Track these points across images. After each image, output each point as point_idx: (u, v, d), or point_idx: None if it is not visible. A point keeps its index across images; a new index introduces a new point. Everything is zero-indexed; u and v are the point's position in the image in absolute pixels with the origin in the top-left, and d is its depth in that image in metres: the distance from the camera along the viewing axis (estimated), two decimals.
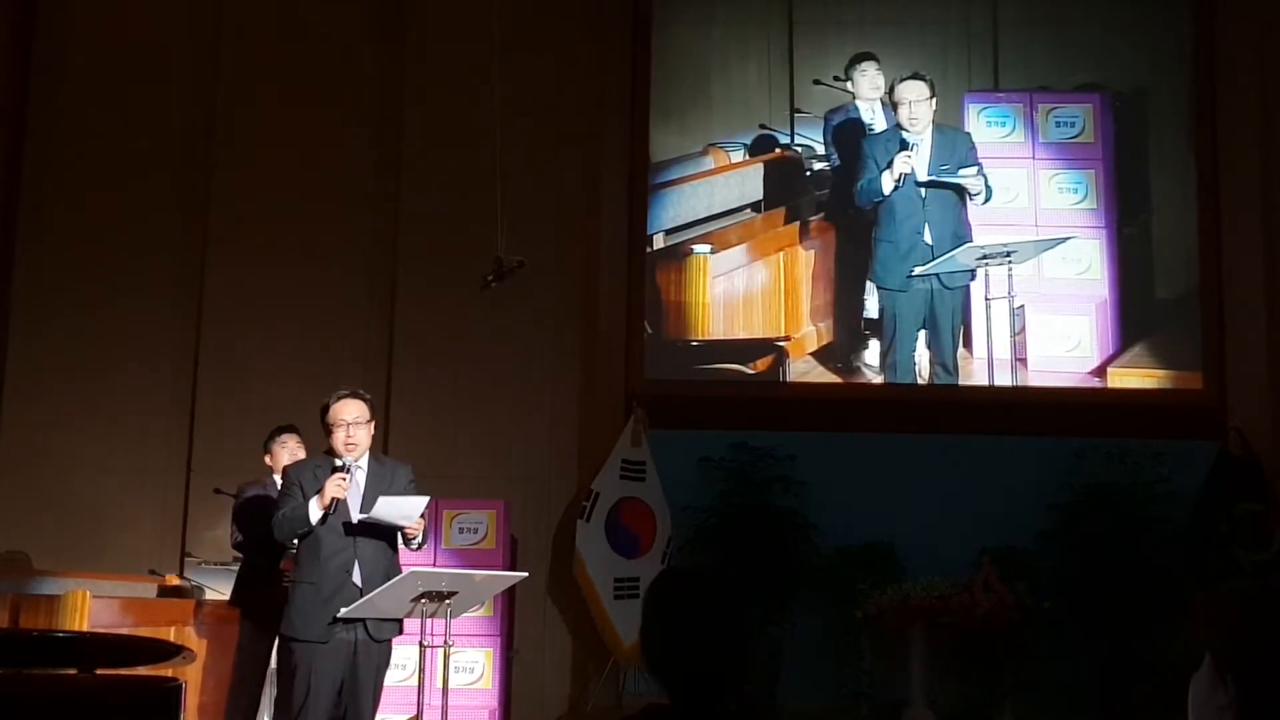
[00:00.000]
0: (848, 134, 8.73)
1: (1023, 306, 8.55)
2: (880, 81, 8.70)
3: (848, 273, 8.71)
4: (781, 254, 8.74)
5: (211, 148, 8.55)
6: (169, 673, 4.03)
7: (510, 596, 7.36)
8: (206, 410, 8.32)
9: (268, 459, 6.08)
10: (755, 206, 8.81)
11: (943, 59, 8.82)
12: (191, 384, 8.37)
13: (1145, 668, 7.20)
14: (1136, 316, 8.60)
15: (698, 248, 8.76)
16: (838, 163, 8.76)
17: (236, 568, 7.04)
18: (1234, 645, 1.46)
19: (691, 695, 2.21)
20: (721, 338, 8.73)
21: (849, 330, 8.68)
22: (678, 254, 8.78)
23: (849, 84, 8.75)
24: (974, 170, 8.56)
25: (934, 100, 8.63)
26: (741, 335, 8.72)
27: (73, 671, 3.89)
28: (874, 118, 8.71)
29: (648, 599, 2.34)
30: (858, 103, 8.75)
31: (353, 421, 5.22)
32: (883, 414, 8.43)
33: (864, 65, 8.75)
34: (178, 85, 8.64)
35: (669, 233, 8.79)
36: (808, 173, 8.81)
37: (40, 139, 8.63)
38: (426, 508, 5.29)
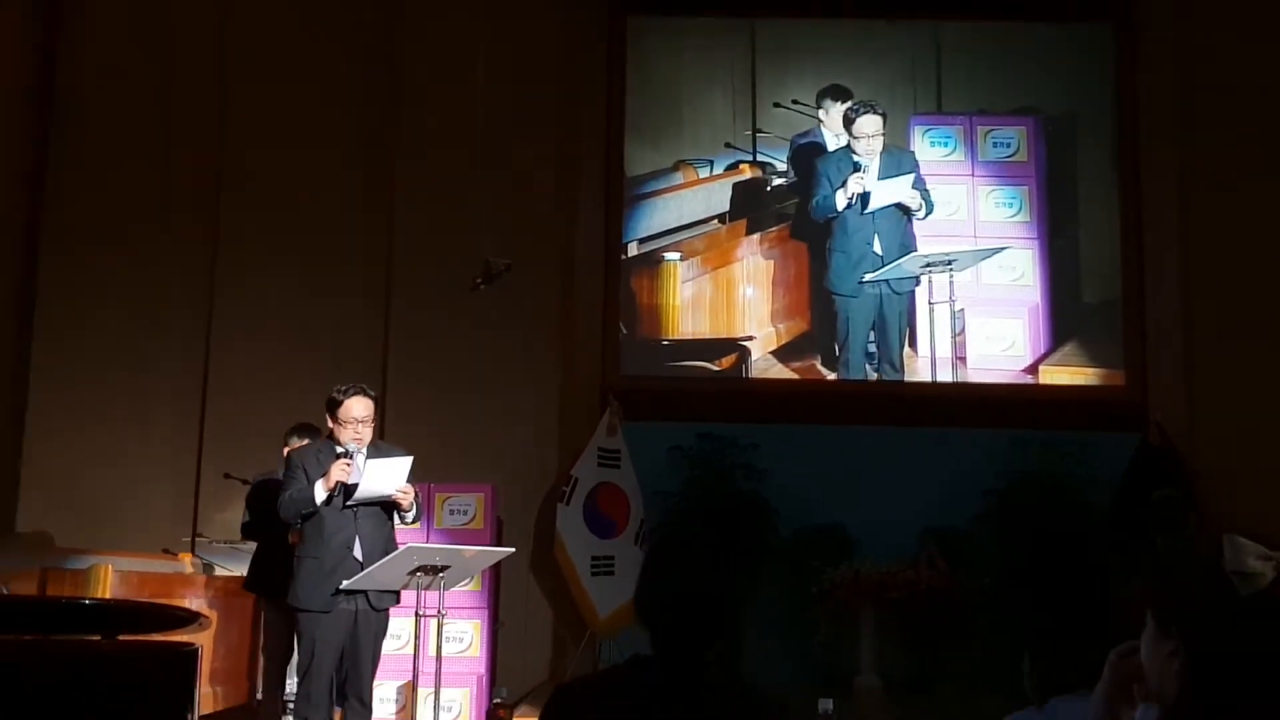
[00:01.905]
0: (806, 154, 8.75)
1: (963, 310, 8.58)
2: (874, 123, 8.67)
3: (804, 279, 8.73)
4: (745, 261, 8.76)
5: (221, 171, 8.50)
6: (186, 638, 4.03)
7: (497, 573, 7.36)
8: (216, 405, 8.29)
9: (285, 450, 5.98)
10: (721, 218, 8.82)
11: (891, 84, 8.85)
12: (203, 381, 8.32)
13: (1071, 635, 7.23)
14: (1065, 319, 8.65)
15: (668, 255, 8.78)
16: (795, 179, 8.78)
17: (243, 548, 7.02)
18: (1172, 595, 1.51)
19: (676, 646, 2.23)
20: (689, 337, 8.74)
21: (804, 331, 8.69)
22: (650, 261, 8.80)
23: (820, 113, 8.73)
24: (910, 179, 8.57)
25: (884, 126, 8.67)
26: (708, 335, 8.74)
27: (97, 637, 3.88)
28: (837, 143, 8.70)
29: (649, 558, 2.38)
30: (823, 128, 8.75)
31: (362, 419, 5.24)
32: (836, 407, 8.47)
33: (832, 99, 8.73)
34: (190, 117, 8.56)
35: (642, 241, 8.80)
36: (769, 188, 8.82)
37: (64, 159, 8.55)
38: (411, 475, 5.27)
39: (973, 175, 8.77)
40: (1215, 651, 1.42)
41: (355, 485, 5.16)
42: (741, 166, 8.84)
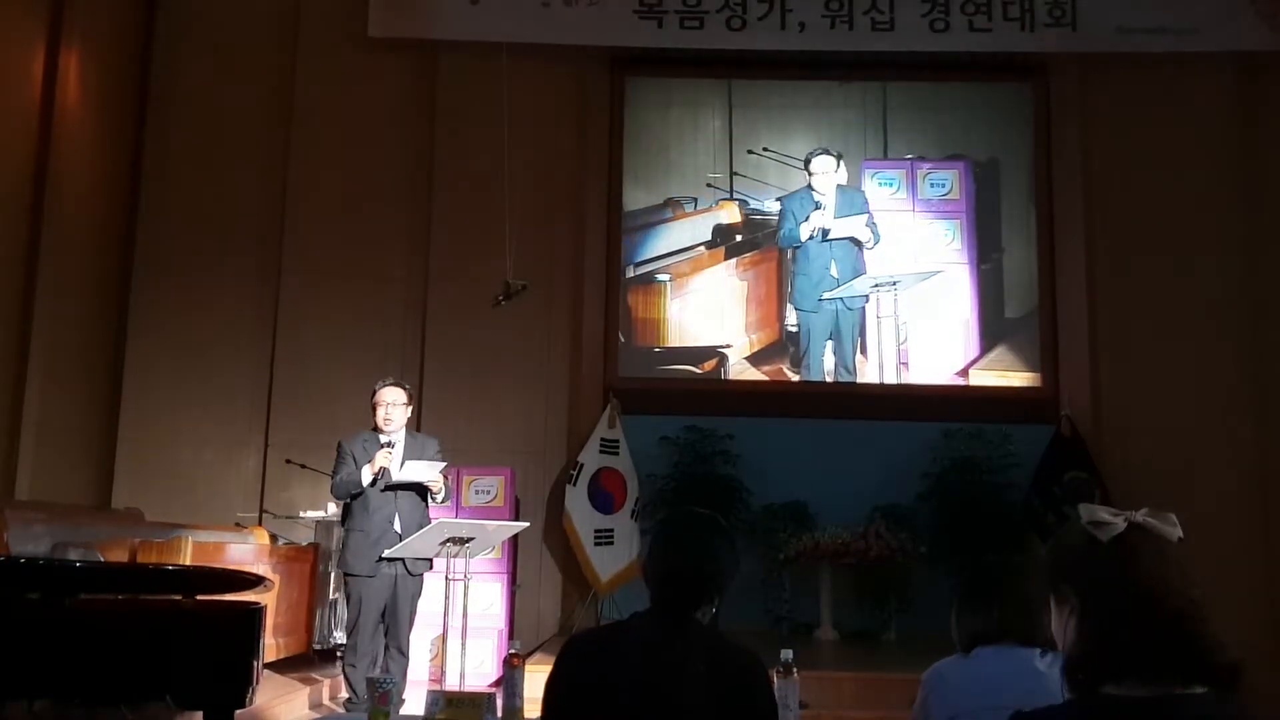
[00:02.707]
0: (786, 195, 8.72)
1: (906, 322, 8.57)
2: (830, 165, 8.65)
3: (773, 296, 8.72)
4: (723, 282, 8.74)
5: (286, 195, 8.46)
6: (253, 598, 4.01)
7: (514, 543, 7.31)
8: (280, 398, 8.25)
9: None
10: (704, 245, 8.80)
11: (845, 134, 8.84)
12: (269, 377, 8.29)
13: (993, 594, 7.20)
14: (991, 330, 8.63)
15: (660, 276, 8.75)
16: (765, 213, 8.76)
17: (303, 517, 6.99)
18: (1053, 567, 1.54)
19: (671, 606, 2.21)
20: (677, 345, 8.71)
21: (774, 340, 8.68)
22: (644, 281, 8.77)
23: (807, 169, 8.68)
24: (865, 218, 8.56)
25: (840, 168, 8.66)
26: (692, 343, 8.70)
27: (178, 597, 3.86)
28: (824, 197, 8.65)
29: (658, 533, 2.36)
30: (812, 181, 8.69)
31: (391, 403, 5.24)
32: (799, 404, 8.44)
33: (822, 157, 8.69)
34: (259, 163, 8.53)
35: (637, 265, 8.77)
36: (743, 220, 8.80)
37: (155, 199, 8.52)
38: (444, 471, 5.27)
39: (913, 210, 8.75)
40: (1097, 591, 1.44)
41: (392, 468, 5.16)
42: (721, 203, 8.81)
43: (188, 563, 4.84)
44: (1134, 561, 1.43)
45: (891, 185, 8.76)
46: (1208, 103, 8.45)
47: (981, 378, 8.54)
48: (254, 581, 4.01)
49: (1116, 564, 1.44)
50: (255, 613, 3.80)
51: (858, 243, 8.58)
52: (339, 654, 6.11)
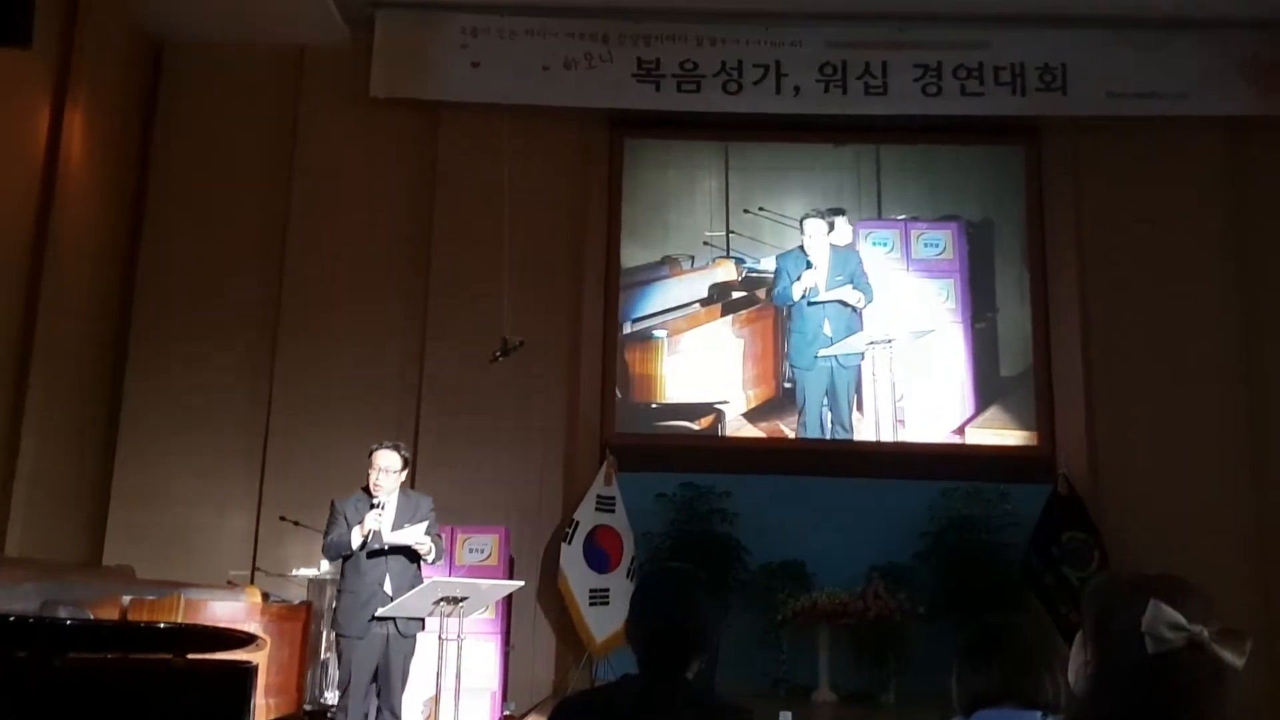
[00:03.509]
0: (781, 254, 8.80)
1: (901, 381, 8.59)
2: (823, 228, 8.72)
3: (769, 354, 8.74)
4: (720, 339, 8.77)
5: (285, 254, 8.50)
6: (245, 657, 3.96)
7: (509, 602, 7.25)
8: (275, 454, 8.21)
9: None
10: (701, 302, 8.84)
11: (839, 195, 8.93)
12: (264, 433, 8.26)
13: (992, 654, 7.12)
14: (987, 389, 8.64)
15: (656, 333, 8.79)
16: (761, 271, 8.83)
17: (296, 575, 6.93)
18: (1094, 621, 1.50)
19: (660, 666, 2.19)
20: (674, 401, 8.71)
21: (771, 396, 8.68)
22: (642, 337, 8.80)
23: (802, 231, 8.75)
24: (850, 285, 8.63)
25: (832, 229, 8.73)
26: (689, 400, 8.70)
27: (169, 656, 3.81)
28: (816, 257, 8.70)
29: (637, 591, 2.35)
30: (805, 242, 8.76)
31: (384, 468, 5.22)
32: (796, 461, 8.42)
33: (814, 220, 8.76)
34: (258, 227, 8.58)
35: (635, 321, 8.81)
36: (739, 278, 8.86)
37: (152, 266, 8.55)
38: (431, 532, 5.25)
39: (908, 270, 8.80)
40: (1115, 683, 1.40)
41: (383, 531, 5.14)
42: (717, 261, 8.87)
43: (179, 621, 4.79)
44: (1167, 685, 1.36)
45: (885, 245, 8.82)
46: (1198, 164, 8.55)
47: (978, 436, 8.54)
48: (246, 640, 3.96)
49: (1149, 675, 1.37)
50: (247, 672, 3.75)
51: (849, 306, 8.64)
52: (330, 714, 6.02)
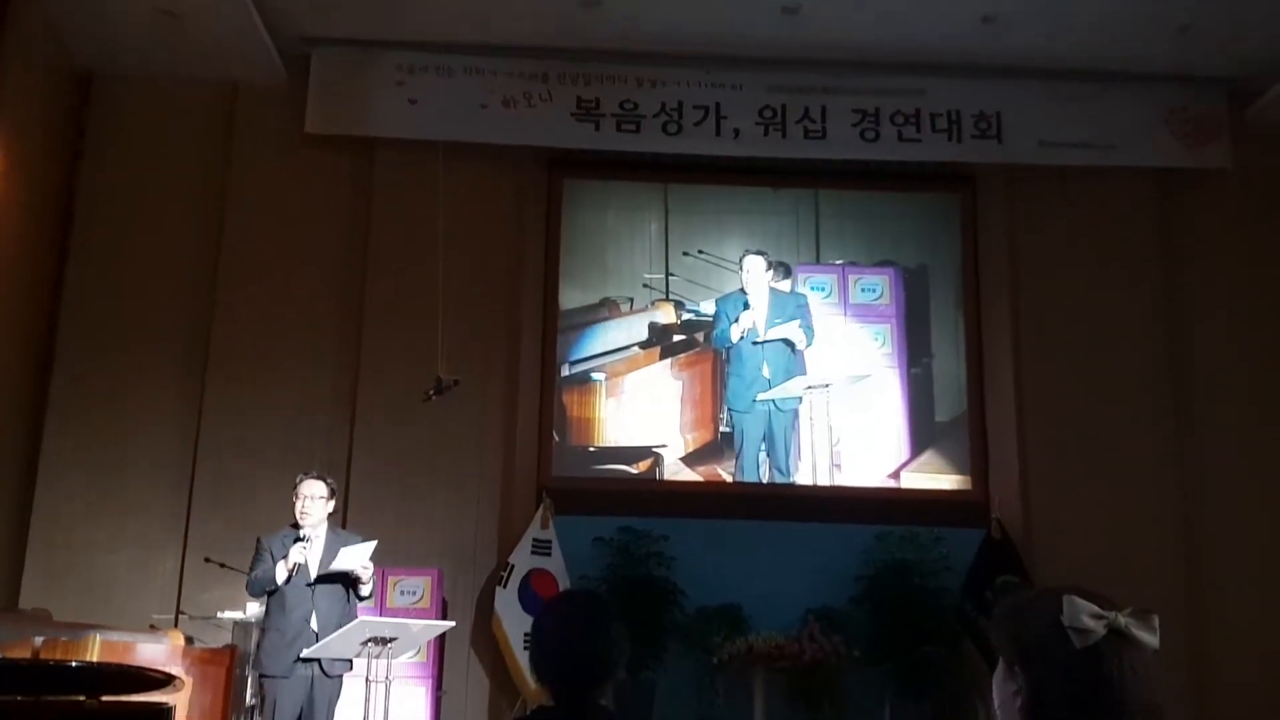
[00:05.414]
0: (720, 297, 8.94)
1: (838, 424, 8.74)
2: (761, 265, 8.83)
3: (708, 397, 8.85)
4: (658, 382, 8.86)
5: (215, 290, 8.47)
6: (162, 699, 3.94)
7: (440, 645, 7.24)
8: (202, 495, 8.12)
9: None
10: (640, 345, 8.94)
11: (778, 239, 9.11)
12: (190, 474, 8.17)
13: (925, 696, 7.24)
14: (922, 433, 8.82)
15: (595, 375, 8.86)
16: (700, 314, 8.96)
17: (221, 619, 6.85)
18: (1014, 640, 1.54)
19: (570, 694, 2.23)
20: (612, 445, 8.77)
21: (709, 440, 8.78)
22: (580, 380, 8.86)
23: (741, 269, 8.85)
24: (797, 322, 8.78)
25: (770, 271, 8.88)
26: (627, 443, 8.78)
27: (82, 698, 3.79)
28: (755, 298, 8.81)
29: (544, 612, 2.39)
30: (744, 281, 8.86)
31: (309, 496, 5.24)
32: (734, 505, 8.51)
33: (753, 257, 8.89)
34: (190, 248, 8.56)
35: (573, 364, 8.88)
36: (678, 321, 8.98)
37: (77, 287, 8.47)
38: (372, 556, 5.25)
39: (845, 315, 8.99)
40: (1051, 693, 1.43)
41: (309, 565, 5.12)
42: (657, 303, 8.99)
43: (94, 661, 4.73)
44: (1102, 676, 1.41)
45: (823, 290, 9.00)
46: (1129, 214, 8.87)
47: (913, 480, 8.70)
48: (163, 681, 3.95)
49: (1082, 671, 1.42)
50: (163, 713, 3.74)
51: (791, 344, 8.77)
52: None
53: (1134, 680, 1.41)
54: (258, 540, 5.32)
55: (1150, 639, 1.44)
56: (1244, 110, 8.92)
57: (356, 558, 5.15)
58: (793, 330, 8.77)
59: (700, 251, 9.06)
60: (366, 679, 5.26)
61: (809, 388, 8.72)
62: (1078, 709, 1.40)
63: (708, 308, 8.95)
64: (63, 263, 8.50)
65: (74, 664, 4.41)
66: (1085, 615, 1.43)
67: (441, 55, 8.58)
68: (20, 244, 7.94)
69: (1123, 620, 1.43)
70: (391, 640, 5.13)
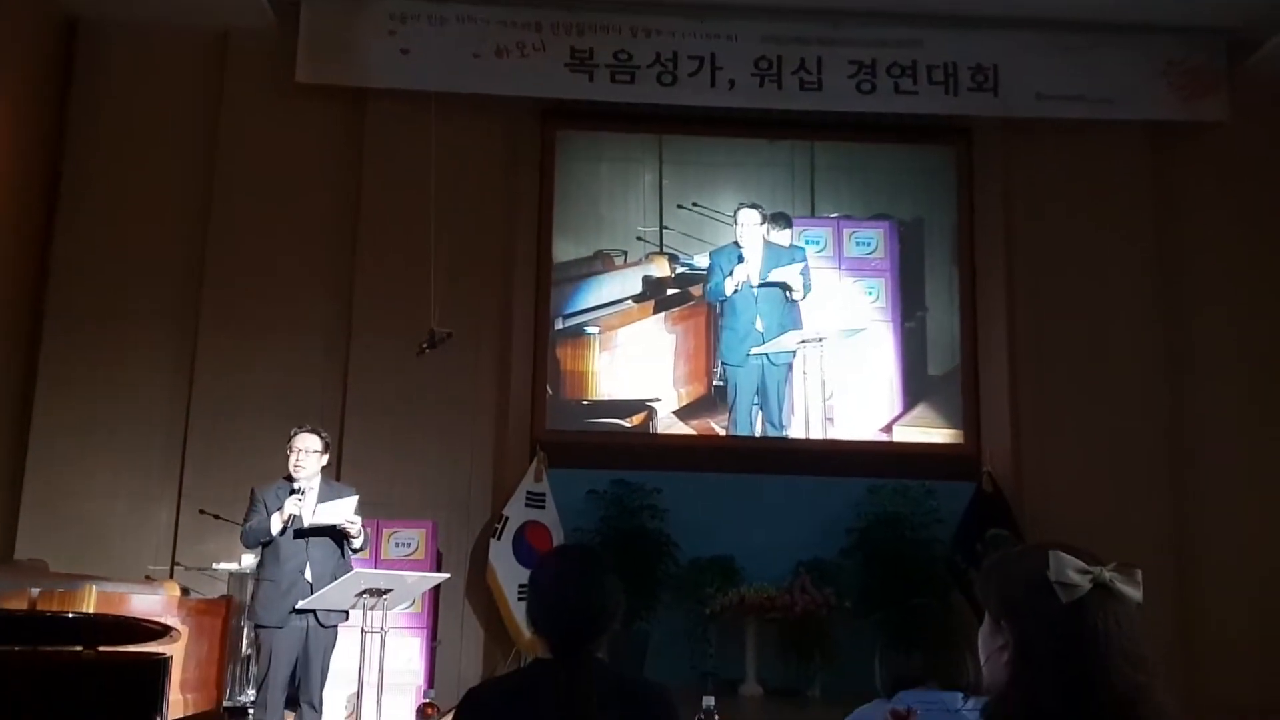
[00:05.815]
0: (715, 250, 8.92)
1: (831, 378, 8.76)
2: (756, 218, 8.83)
3: (702, 351, 8.86)
4: (652, 335, 8.86)
5: (206, 244, 8.41)
6: (158, 649, 3.97)
7: (435, 596, 7.29)
8: (196, 448, 8.13)
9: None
10: (634, 299, 8.93)
11: (773, 191, 9.07)
12: (184, 427, 8.18)
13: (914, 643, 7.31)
14: (915, 387, 8.85)
15: (588, 329, 8.86)
16: (695, 267, 8.94)
17: (216, 570, 6.89)
18: (1000, 596, 1.56)
19: (567, 647, 2.25)
20: (606, 398, 8.79)
21: (703, 394, 8.80)
22: (573, 333, 8.87)
23: (735, 222, 8.86)
24: (799, 267, 8.76)
25: (767, 224, 8.86)
26: (621, 397, 8.79)
27: (79, 648, 3.81)
28: (749, 250, 8.82)
29: (540, 565, 2.40)
30: (738, 234, 8.87)
31: (303, 449, 5.24)
32: (727, 458, 8.55)
33: (748, 210, 8.88)
34: (180, 201, 8.50)
35: (566, 317, 8.87)
36: (672, 274, 8.96)
37: (68, 248, 8.42)
38: (358, 511, 5.25)
39: (840, 268, 8.98)
40: (1037, 647, 1.44)
41: (304, 517, 5.13)
42: (651, 256, 8.96)
43: (90, 612, 4.76)
44: (1087, 629, 1.42)
45: (818, 244, 8.99)
46: (1124, 167, 8.84)
47: (905, 434, 8.75)
48: (159, 632, 3.97)
49: (1068, 624, 1.43)
50: (160, 664, 3.77)
51: (787, 288, 8.74)
52: (251, 711, 6.01)
53: (1119, 633, 1.43)
54: (252, 491, 5.34)
55: (1134, 593, 1.46)
56: (1242, 63, 8.85)
57: (340, 512, 5.16)
58: (792, 274, 8.74)
59: (695, 204, 9.03)
60: (362, 630, 5.29)
61: (802, 341, 8.74)
62: (1063, 662, 1.41)
63: (702, 261, 8.94)
64: (51, 216, 8.43)
65: (70, 615, 4.44)
66: (1071, 570, 1.45)
67: (434, 4, 8.47)
68: (9, 199, 7.88)
69: (1107, 575, 1.45)
70: (387, 591, 5.16)
